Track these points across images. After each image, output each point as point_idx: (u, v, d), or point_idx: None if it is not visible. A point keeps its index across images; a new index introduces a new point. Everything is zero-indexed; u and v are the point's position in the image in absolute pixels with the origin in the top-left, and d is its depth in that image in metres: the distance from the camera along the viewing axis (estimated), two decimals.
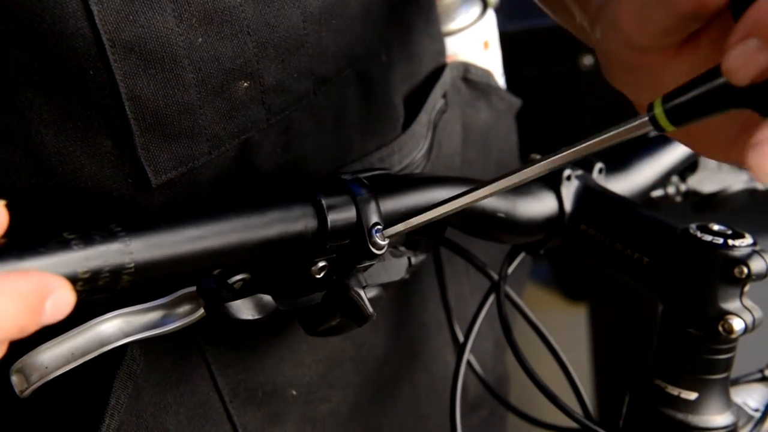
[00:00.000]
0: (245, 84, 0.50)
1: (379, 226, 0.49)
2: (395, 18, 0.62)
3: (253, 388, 0.57)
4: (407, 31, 0.66)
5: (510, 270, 0.63)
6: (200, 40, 0.47)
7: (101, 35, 0.44)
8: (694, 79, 0.38)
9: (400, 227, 0.50)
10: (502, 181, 0.46)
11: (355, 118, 0.58)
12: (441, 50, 0.72)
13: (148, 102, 0.46)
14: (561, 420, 0.61)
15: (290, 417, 0.60)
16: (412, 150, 0.62)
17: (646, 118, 0.39)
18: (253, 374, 0.57)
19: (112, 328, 0.47)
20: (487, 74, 0.78)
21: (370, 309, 0.50)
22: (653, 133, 0.48)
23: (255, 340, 0.57)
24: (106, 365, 0.51)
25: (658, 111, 0.39)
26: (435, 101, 0.67)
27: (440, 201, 0.49)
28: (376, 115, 0.60)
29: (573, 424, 0.59)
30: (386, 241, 0.49)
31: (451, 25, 1.01)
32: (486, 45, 1.06)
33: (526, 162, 0.63)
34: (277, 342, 0.58)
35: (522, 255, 0.63)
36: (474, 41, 1.04)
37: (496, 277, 0.63)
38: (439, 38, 0.72)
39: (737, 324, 0.52)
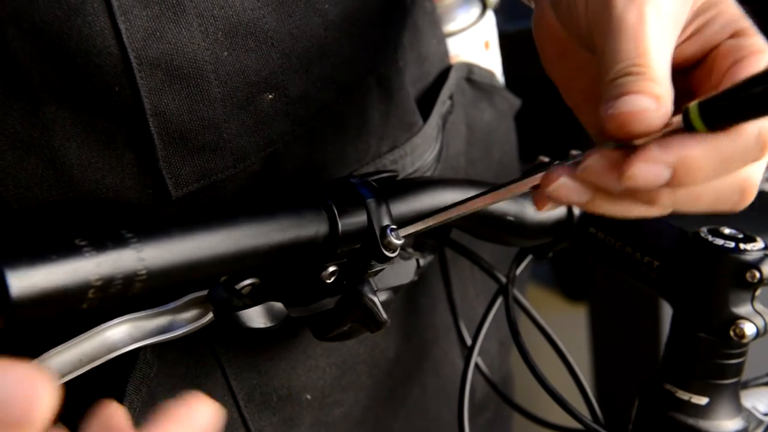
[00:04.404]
0: (270, 96, 0.49)
1: (391, 228, 0.48)
2: (407, 21, 0.62)
3: (267, 392, 0.57)
4: (417, 33, 0.65)
5: (518, 272, 0.62)
6: (226, 53, 0.47)
7: (128, 53, 0.44)
8: (739, 83, 0.38)
9: (417, 226, 0.49)
10: (524, 181, 0.45)
11: (376, 125, 0.58)
12: (446, 52, 0.72)
13: (172, 117, 0.46)
14: (565, 420, 0.61)
15: (304, 421, 0.59)
16: (424, 152, 0.62)
17: (680, 123, 0.39)
18: (267, 379, 0.57)
19: (121, 333, 0.47)
20: (490, 75, 0.78)
21: (384, 315, 0.49)
22: None
23: (270, 345, 0.56)
24: (120, 369, 0.50)
25: (693, 107, 0.39)
26: (443, 103, 0.67)
27: (454, 203, 0.49)
28: (395, 119, 0.60)
29: (578, 425, 0.59)
30: (400, 241, 0.48)
31: (451, 26, 1.00)
32: (487, 45, 1.06)
33: (532, 164, 0.62)
34: (291, 346, 0.57)
35: (529, 258, 0.63)
36: (475, 41, 1.03)
37: (503, 279, 0.62)
38: (443, 40, 0.72)
39: (749, 329, 0.52)
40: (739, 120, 0.38)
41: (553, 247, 0.61)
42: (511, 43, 1.04)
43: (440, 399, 0.71)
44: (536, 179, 0.44)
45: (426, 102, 0.66)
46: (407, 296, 0.66)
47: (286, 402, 0.58)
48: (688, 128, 0.39)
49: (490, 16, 1.04)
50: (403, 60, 0.61)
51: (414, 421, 0.69)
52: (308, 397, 0.59)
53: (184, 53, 0.45)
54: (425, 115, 0.64)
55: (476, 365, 0.69)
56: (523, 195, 0.57)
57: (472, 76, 0.75)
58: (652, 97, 0.39)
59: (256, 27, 0.48)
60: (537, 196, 0.45)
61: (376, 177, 0.52)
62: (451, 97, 0.69)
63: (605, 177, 0.41)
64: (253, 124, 0.49)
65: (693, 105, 0.39)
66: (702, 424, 0.54)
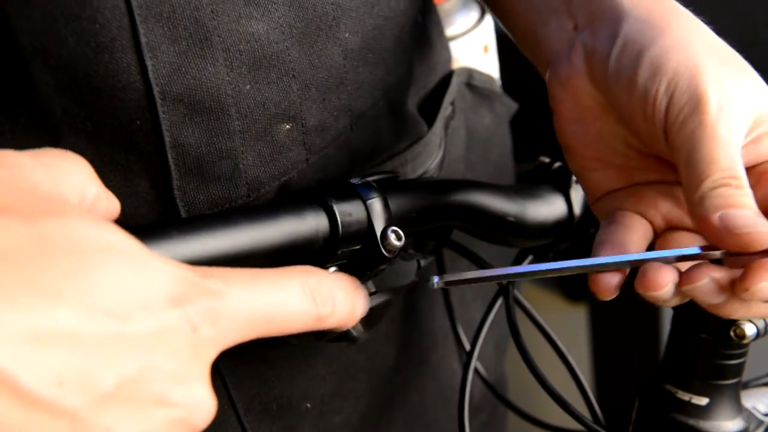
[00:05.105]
0: (287, 126, 0.50)
1: (391, 229, 0.48)
2: (419, 36, 0.62)
3: (267, 401, 0.57)
4: (428, 46, 0.65)
5: None
6: (248, 87, 0.47)
7: (153, 89, 0.44)
8: None
9: (463, 279, 0.47)
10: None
11: (387, 145, 0.58)
12: (450, 57, 0.72)
13: (190, 149, 0.46)
14: (564, 422, 0.61)
15: (304, 429, 0.59)
16: (426, 159, 0.62)
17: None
18: (267, 387, 0.57)
19: None
20: (490, 80, 0.78)
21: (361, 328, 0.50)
22: None
23: (270, 353, 0.56)
24: None
25: None
26: (445, 109, 0.66)
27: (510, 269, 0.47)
28: (405, 139, 0.60)
29: (575, 426, 0.58)
30: (401, 242, 0.48)
31: (451, 30, 1.00)
32: (486, 49, 1.06)
33: (532, 164, 0.62)
34: (292, 355, 0.57)
35: (530, 258, 0.63)
36: (475, 46, 1.03)
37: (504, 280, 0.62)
38: (447, 46, 0.72)
39: (749, 329, 0.52)
40: None
41: (553, 248, 0.61)
42: (509, 44, 1.04)
43: (438, 404, 0.70)
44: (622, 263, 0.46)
45: (428, 108, 0.66)
46: (406, 302, 0.66)
47: (286, 410, 0.58)
48: None
49: (489, 20, 1.04)
50: (414, 76, 0.61)
51: (412, 427, 0.69)
52: (308, 405, 0.59)
53: (207, 88, 0.45)
54: (428, 121, 0.64)
55: (476, 371, 0.69)
56: (523, 195, 0.57)
57: (473, 81, 0.75)
58: (753, 212, 0.42)
59: (279, 59, 0.48)
60: (605, 285, 0.46)
61: (377, 177, 0.51)
62: (452, 103, 0.69)
63: (709, 295, 0.44)
64: (269, 154, 0.49)
65: None
66: (702, 424, 0.54)
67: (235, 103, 0.47)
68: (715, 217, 0.42)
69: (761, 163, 0.47)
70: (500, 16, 0.58)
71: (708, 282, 0.43)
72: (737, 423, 0.55)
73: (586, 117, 0.50)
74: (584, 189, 0.52)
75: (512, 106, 0.80)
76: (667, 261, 0.45)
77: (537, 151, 0.63)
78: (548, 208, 0.58)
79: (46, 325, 0.29)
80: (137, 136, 0.45)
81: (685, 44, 0.46)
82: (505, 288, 0.62)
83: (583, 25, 0.49)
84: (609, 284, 0.46)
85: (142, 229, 0.40)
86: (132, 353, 0.31)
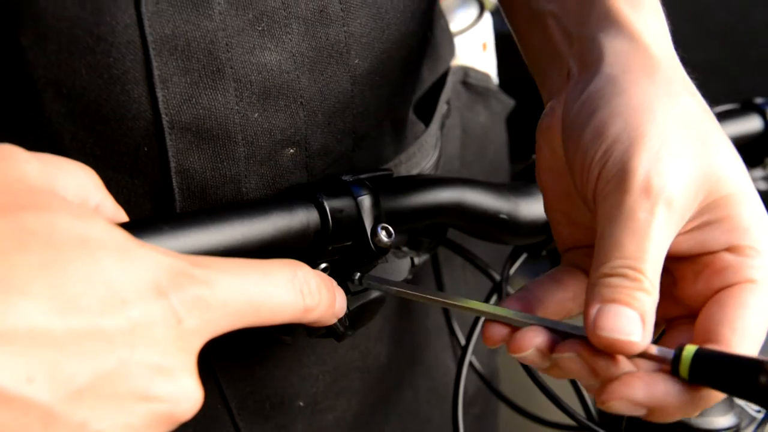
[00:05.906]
0: (291, 151, 0.50)
1: (381, 225, 0.49)
2: (427, 50, 0.62)
3: (260, 400, 0.57)
4: (437, 59, 0.65)
5: (512, 271, 0.62)
6: (256, 115, 0.47)
7: (162, 118, 0.44)
8: (736, 357, 0.38)
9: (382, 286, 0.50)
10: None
11: (388, 159, 0.58)
12: (452, 56, 0.72)
13: (195, 174, 0.47)
14: (557, 415, 0.61)
15: (297, 428, 0.59)
16: (421, 160, 0.61)
17: (671, 355, 0.39)
18: (261, 386, 0.57)
19: None
20: (486, 77, 0.78)
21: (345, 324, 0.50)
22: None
23: (263, 352, 0.56)
24: None
25: (686, 358, 0.39)
26: (441, 108, 0.67)
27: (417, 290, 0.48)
28: (405, 147, 0.60)
29: (569, 421, 0.59)
30: (390, 239, 0.48)
31: (450, 27, 1.00)
32: (484, 47, 1.06)
33: (526, 163, 0.63)
34: (285, 354, 0.57)
35: (524, 256, 0.63)
36: (473, 43, 1.04)
37: (497, 277, 0.62)
38: (453, 48, 0.72)
39: None
40: (728, 392, 0.38)
41: (547, 245, 0.61)
42: (507, 43, 1.04)
43: (432, 401, 0.71)
44: (504, 319, 0.43)
45: (424, 106, 0.66)
46: (400, 300, 0.66)
47: (279, 409, 0.58)
48: (674, 369, 0.39)
49: (488, 18, 1.05)
50: (418, 89, 0.61)
51: (406, 424, 0.69)
52: (301, 404, 0.59)
53: (216, 117, 0.46)
54: (424, 119, 0.64)
55: (471, 365, 0.69)
56: (516, 193, 0.58)
57: (468, 79, 0.75)
58: (639, 314, 0.38)
59: (289, 88, 0.48)
60: (491, 335, 0.44)
61: (369, 175, 0.52)
62: (447, 102, 0.69)
63: (580, 374, 0.41)
64: (271, 178, 0.50)
65: (687, 355, 0.38)
66: (694, 420, 0.54)
67: (242, 131, 0.47)
68: (594, 308, 0.38)
69: (707, 253, 0.42)
70: (521, 50, 0.57)
71: (574, 358, 0.40)
72: (729, 419, 0.55)
73: (558, 168, 0.47)
74: (555, 238, 0.50)
75: (508, 103, 0.80)
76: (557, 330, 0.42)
77: (534, 150, 0.63)
78: (541, 206, 0.58)
79: (13, 320, 0.29)
80: (143, 162, 0.46)
81: (638, 109, 0.41)
82: (498, 284, 0.62)
83: (573, 75, 0.46)
84: (493, 335, 0.44)
85: (132, 224, 0.40)
86: (109, 348, 0.31)
